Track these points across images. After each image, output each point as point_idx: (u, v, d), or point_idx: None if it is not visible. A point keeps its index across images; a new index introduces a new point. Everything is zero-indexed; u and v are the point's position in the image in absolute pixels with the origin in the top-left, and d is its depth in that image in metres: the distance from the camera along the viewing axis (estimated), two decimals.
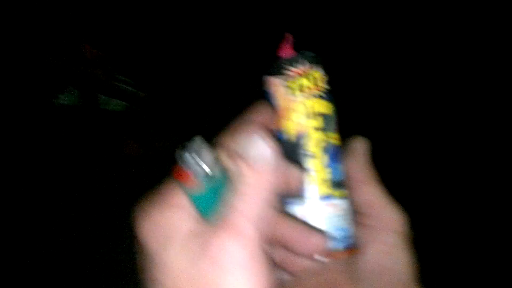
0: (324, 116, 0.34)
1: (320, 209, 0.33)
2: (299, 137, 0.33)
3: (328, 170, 0.33)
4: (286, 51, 0.35)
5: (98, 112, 1.65)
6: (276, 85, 0.34)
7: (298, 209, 0.33)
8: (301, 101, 0.33)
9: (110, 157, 1.66)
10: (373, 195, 0.34)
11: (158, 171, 1.62)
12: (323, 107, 0.34)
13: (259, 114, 0.33)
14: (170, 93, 1.80)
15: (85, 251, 1.47)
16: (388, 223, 0.33)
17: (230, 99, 1.77)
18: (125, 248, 1.43)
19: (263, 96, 0.35)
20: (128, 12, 1.74)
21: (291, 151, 0.33)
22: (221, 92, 1.75)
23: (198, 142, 0.28)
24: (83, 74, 1.64)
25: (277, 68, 0.34)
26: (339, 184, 0.34)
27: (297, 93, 0.34)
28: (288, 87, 0.34)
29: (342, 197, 0.34)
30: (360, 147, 0.35)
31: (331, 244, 0.32)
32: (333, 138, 0.34)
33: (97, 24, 1.72)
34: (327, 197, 0.33)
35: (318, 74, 0.34)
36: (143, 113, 1.73)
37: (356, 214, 0.35)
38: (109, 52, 1.68)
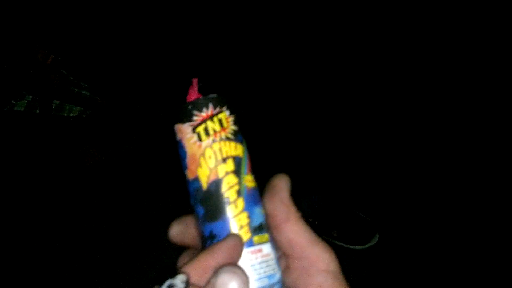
0: (234, 158, 0.32)
1: (243, 257, 0.30)
2: (212, 183, 0.32)
3: (245, 214, 0.31)
4: (193, 96, 0.34)
5: (52, 118, 1.62)
6: (183, 132, 0.33)
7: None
8: (208, 146, 0.32)
9: (67, 166, 1.63)
10: (297, 234, 0.32)
11: (118, 179, 1.62)
12: (232, 149, 0.32)
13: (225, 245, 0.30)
14: (126, 97, 1.79)
15: (39, 264, 1.44)
16: (316, 263, 0.32)
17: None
18: (81, 258, 1.42)
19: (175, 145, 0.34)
20: (82, 15, 1.71)
21: (205, 199, 0.32)
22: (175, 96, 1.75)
23: (178, 283, 0.26)
24: (37, 78, 1.60)
25: (183, 114, 0.33)
26: (260, 228, 0.32)
27: (204, 137, 0.32)
28: (194, 132, 0.32)
29: (264, 241, 0.32)
30: (279, 184, 0.33)
31: None
32: (248, 180, 0.32)
33: (52, 27, 1.68)
34: (248, 243, 0.31)
35: (224, 115, 0.33)
36: (99, 118, 1.71)
37: (282, 256, 0.34)
38: (64, 56, 1.65)
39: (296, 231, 0.32)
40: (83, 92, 1.65)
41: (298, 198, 0.33)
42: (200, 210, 0.32)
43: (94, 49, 1.73)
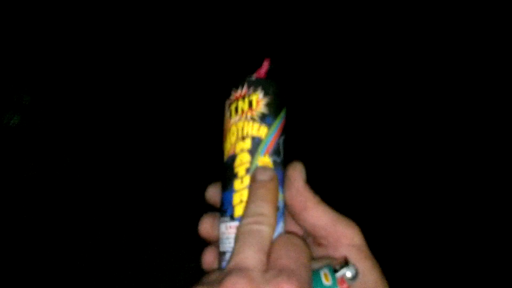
0: (253, 138, 0.34)
1: (233, 230, 0.33)
2: (229, 158, 0.35)
3: (247, 191, 0.34)
4: (260, 74, 0.36)
5: None
6: (225, 108, 0.36)
7: (222, 227, 0.34)
8: (234, 123, 0.35)
9: (6, 180, 1.53)
10: (317, 219, 0.35)
11: (60, 193, 1.53)
12: (254, 129, 0.34)
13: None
14: (67, 102, 1.70)
15: None
16: (340, 239, 0.34)
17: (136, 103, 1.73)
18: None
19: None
20: (17, 15, 1.62)
21: (224, 171, 0.35)
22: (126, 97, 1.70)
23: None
24: None
25: (227, 91, 0.36)
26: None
27: (233, 115, 0.35)
28: (228, 109, 0.35)
29: (278, 220, 0.34)
30: (293, 174, 0.35)
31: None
32: (262, 161, 0.34)
33: None
34: (239, 218, 0.33)
35: (256, 97, 0.35)
36: (40, 127, 1.62)
37: (309, 235, 0.36)
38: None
39: (316, 216, 0.35)
40: (23, 98, 1.56)
41: None
42: (221, 180, 0.35)
43: (33, 52, 1.64)
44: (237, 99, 0.35)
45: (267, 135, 0.34)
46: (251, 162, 0.34)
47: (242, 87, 0.35)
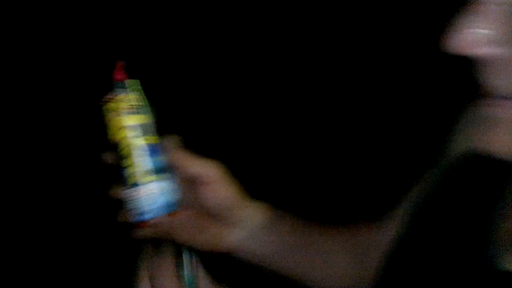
0: (139, 126, 0.46)
1: (140, 191, 0.45)
2: (116, 144, 0.46)
3: (144, 163, 0.45)
4: (119, 76, 0.46)
5: None
6: (102, 108, 0.46)
7: (132, 193, 0.45)
8: (114, 118, 0.46)
9: None
10: (189, 163, 0.48)
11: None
12: (135, 119, 0.46)
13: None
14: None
15: None
16: (203, 172, 0.48)
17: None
18: None
19: None
20: None
21: (115, 155, 0.46)
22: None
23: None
24: None
25: (99, 96, 0.46)
26: (160, 170, 0.46)
27: (111, 112, 0.46)
28: (106, 108, 0.46)
29: (163, 179, 0.46)
30: (171, 141, 0.48)
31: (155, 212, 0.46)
32: (150, 139, 0.46)
33: None
34: (149, 182, 0.45)
35: (132, 96, 0.46)
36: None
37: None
38: None
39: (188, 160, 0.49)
40: None
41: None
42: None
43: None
44: (109, 101, 0.45)
45: (148, 120, 0.46)
46: (143, 142, 0.45)
47: (117, 90, 0.45)
